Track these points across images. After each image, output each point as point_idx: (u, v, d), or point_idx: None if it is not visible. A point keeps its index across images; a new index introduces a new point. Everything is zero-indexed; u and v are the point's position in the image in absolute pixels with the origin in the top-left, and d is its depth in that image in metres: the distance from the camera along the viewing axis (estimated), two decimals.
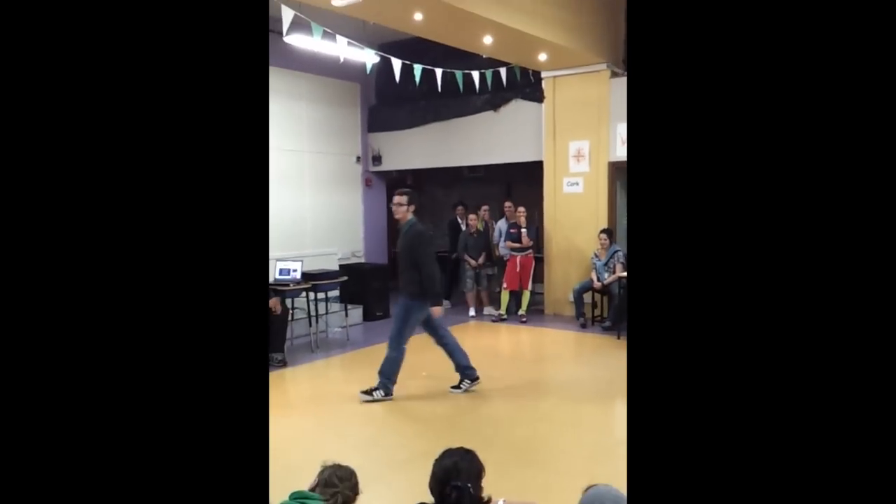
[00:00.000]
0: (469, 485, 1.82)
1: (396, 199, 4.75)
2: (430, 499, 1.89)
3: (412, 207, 4.76)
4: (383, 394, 4.76)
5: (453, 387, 4.96)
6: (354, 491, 2.07)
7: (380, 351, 6.38)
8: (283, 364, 5.77)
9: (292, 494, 1.97)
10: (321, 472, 2.08)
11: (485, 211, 8.21)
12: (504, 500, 2.10)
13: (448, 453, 1.89)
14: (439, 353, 6.29)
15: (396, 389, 4.87)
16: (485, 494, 1.94)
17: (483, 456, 1.98)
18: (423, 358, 6.05)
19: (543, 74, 7.94)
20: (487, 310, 8.03)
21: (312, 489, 2.03)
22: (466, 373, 4.97)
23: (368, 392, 4.75)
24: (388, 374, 4.80)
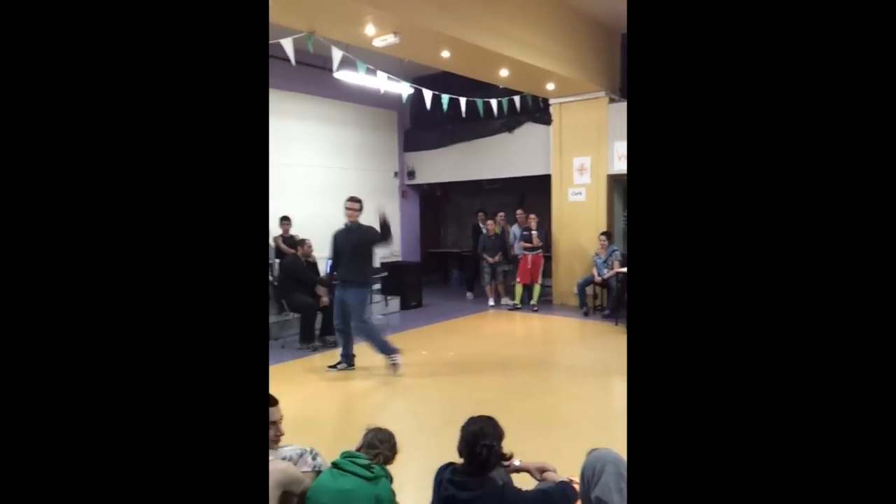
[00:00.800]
0: (495, 443, 1.82)
1: (350, 204, 4.82)
2: (459, 460, 1.88)
3: (361, 212, 4.85)
4: (396, 358, 4.80)
5: (330, 366, 4.95)
6: (393, 451, 2.07)
7: (415, 334, 6.42)
8: (334, 345, 5.80)
9: (343, 454, 1.98)
10: (365, 435, 2.08)
11: (501, 217, 8.17)
12: (520, 460, 2.09)
13: (474, 420, 1.88)
14: (465, 336, 6.30)
15: (427, 367, 4.87)
16: (506, 453, 1.93)
17: (501, 423, 1.97)
18: (450, 340, 6.05)
19: (551, 101, 7.88)
20: (504, 300, 8.00)
21: (358, 450, 2.04)
22: (349, 359, 4.96)
23: (393, 367, 4.79)
24: (384, 346, 4.82)
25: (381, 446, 2.01)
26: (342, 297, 4.86)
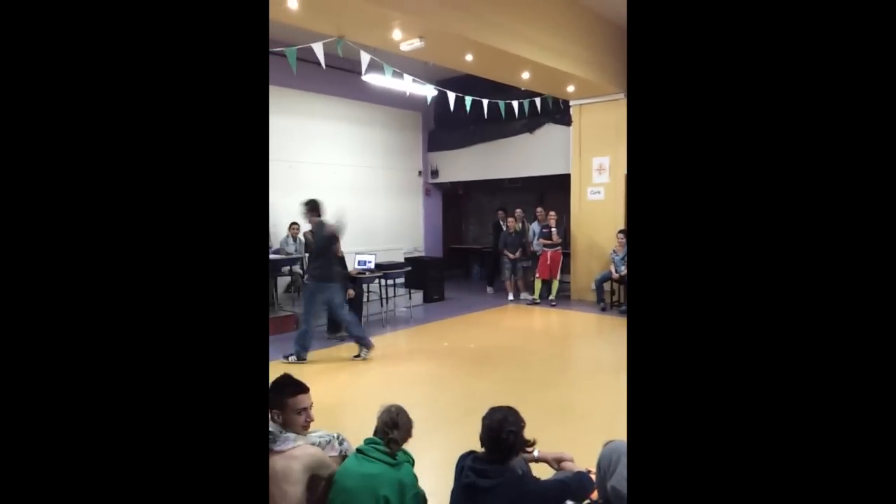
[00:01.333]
0: (519, 430, 1.81)
1: (305, 211, 4.78)
2: (480, 449, 1.88)
3: (317, 217, 4.80)
4: (296, 359, 4.83)
5: (356, 355, 4.97)
6: (406, 433, 1.98)
7: (436, 326, 6.44)
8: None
9: (366, 440, 1.98)
10: (379, 417, 2.01)
11: (519, 213, 8.10)
12: (538, 451, 2.08)
13: (496, 409, 1.87)
14: (485, 328, 6.29)
15: (448, 358, 4.87)
16: (529, 439, 1.91)
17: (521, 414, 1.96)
18: (470, 332, 6.05)
19: (571, 102, 7.80)
20: (523, 295, 7.96)
21: (375, 433, 2.00)
22: (364, 342, 4.96)
23: (286, 357, 4.84)
24: (303, 344, 4.86)
25: (391, 432, 1.94)
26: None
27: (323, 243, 4.78)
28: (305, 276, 5.01)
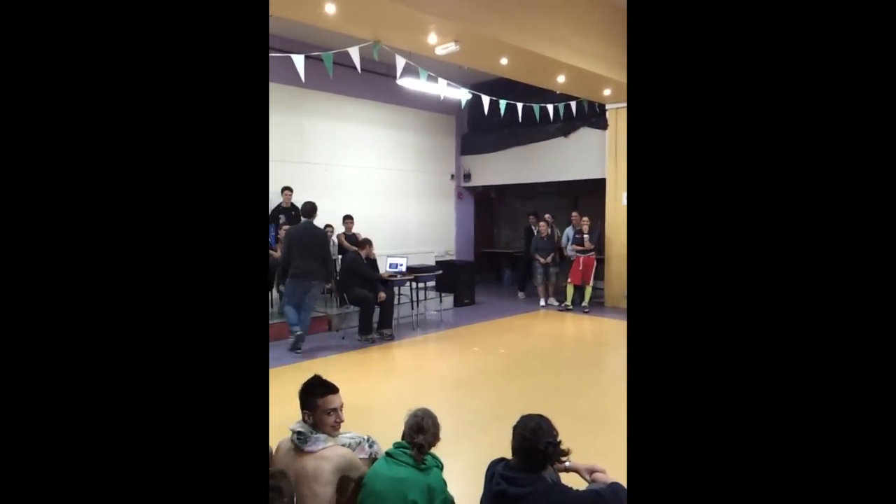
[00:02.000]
0: (555, 440, 1.78)
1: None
2: (509, 456, 1.85)
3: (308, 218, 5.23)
4: (295, 340, 5.13)
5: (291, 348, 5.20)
6: (429, 440, 1.95)
7: (467, 331, 6.42)
8: (391, 338, 5.88)
9: (395, 444, 1.98)
10: (406, 422, 2.00)
11: (548, 218, 8.00)
12: (570, 461, 2.04)
13: (529, 417, 1.84)
14: (516, 334, 6.24)
15: (478, 363, 4.83)
16: (564, 448, 1.88)
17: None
18: (501, 337, 6.00)
19: (607, 106, 7.69)
20: (551, 300, 7.87)
21: (403, 438, 2.00)
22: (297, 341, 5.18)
23: (294, 350, 5.14)
24: (291, 321, 5.17)
25: (417, 437, 1.93)
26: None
27: (314, 244, 5.09)
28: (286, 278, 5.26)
